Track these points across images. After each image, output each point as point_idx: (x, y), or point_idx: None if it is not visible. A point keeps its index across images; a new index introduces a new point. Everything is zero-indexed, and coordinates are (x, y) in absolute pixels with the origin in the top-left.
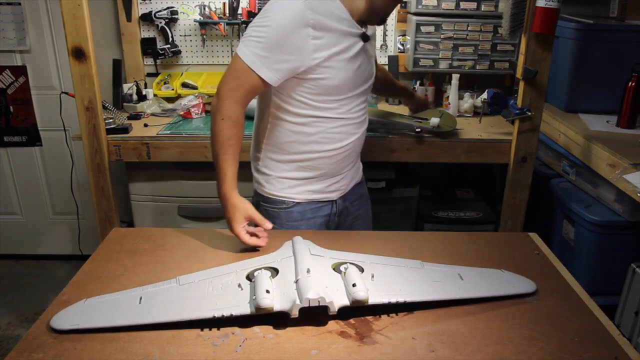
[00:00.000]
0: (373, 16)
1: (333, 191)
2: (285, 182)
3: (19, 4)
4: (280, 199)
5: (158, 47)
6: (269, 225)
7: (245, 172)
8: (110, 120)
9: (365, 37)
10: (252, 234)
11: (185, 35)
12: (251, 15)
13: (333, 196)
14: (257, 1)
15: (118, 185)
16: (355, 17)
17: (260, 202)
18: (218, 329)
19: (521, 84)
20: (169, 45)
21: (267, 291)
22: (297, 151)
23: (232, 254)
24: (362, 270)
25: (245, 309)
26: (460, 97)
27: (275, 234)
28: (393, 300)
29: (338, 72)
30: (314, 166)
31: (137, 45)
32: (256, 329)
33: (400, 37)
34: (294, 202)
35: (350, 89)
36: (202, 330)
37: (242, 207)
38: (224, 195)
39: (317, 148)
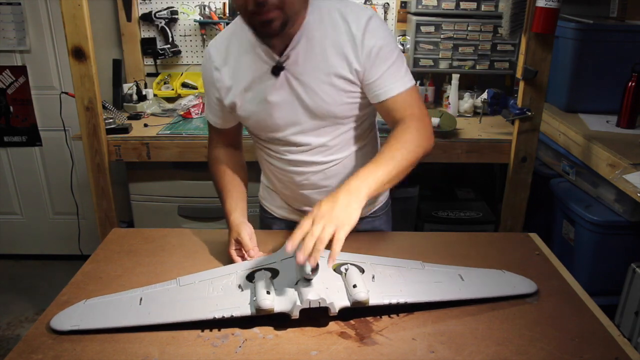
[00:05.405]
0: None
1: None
2: (266, 193)
3: (19, 4)
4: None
5: (158, 47)
6: (252, 253)
7: (249, 174)
8: (110, 120)
9: (276, 70)
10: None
11: (185, 35)
12: None
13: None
14: None
15: (118, 185)
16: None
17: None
18: (218, 330)
19: (521, 84)
20: (169, 45)
21: (268, 292)
22: (261, 166)
23: None
24: (362, 271)
25: (245, 310)
26: (460, 97)
27: (275, 234)
28: (394, 301)
29: (251, 114)
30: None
31: (137, 45)
32: (256, 329)
33: (401, 37)
34: (273, 215)
35: (270, 131)
36: (202, 331)
37: (234, 229)
38: (226, 217)
39: (271, 177)
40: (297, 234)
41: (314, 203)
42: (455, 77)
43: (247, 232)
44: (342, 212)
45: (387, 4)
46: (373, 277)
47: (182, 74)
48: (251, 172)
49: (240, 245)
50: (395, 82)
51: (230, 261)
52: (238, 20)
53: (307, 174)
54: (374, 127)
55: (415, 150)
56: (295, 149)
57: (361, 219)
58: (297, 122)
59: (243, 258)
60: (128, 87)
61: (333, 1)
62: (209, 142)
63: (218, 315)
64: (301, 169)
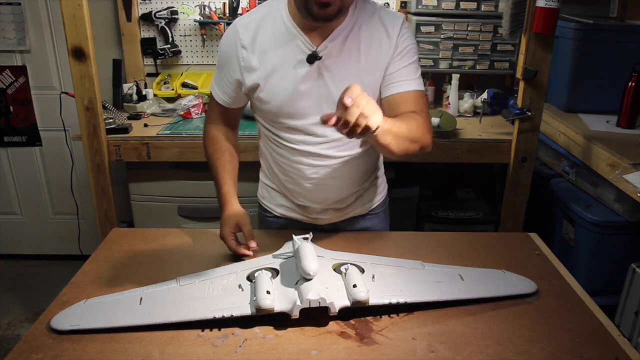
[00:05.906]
0: (300, 9)
1: (308, 215)
2: (266, 191)
3: (19, 4)
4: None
5: (158, 47)
6: (252, 244)
7: (248, 173)
8: (110, 120)
9: (311, 59)
10: (240, 243)
11: (185, 35)
12: None
13: (306, 219)
14: (257, 1)
15: (118, 185)
16: (305, 28)
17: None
18: (219, 330)
19: (521, 84)
20: (169, 45)
21: (268, 292)
22: (264, 159)
23: (232, 254)
24: (362, 271)
25: (245, 310)
26: (460, 97)
27: (275, 234)
28: (394, 301)
29: (273, 98)
30: (278, 184)
31: (137, 45)
32: (256, 329)
33: None
34: (273, 214)
35: (291, 118)
36: (202, 330)
37: (235, 214)
38: (223, 198)
39: (275, 169)
40: (346, 95)
41: (316, 198)
42: (455, 77)
43: (250, 221)
44: (377, 111)
45: (387, 4)
46: (373, 277)
47: (182, 74)
48: (251, 172)
49: (238, 231)
50: (411, 80)
51: (229, 256)
52: (271, 5)
53: (318, 167)
54: None
55: (421, 136)
56: (311, 139)
57: (359, 217)
58: (321, 112)
59: (235, 242)
60: (128, 87)
61: (370, 4)
62: (206, 117)
63: (218, 315)
64: (312, 162)
